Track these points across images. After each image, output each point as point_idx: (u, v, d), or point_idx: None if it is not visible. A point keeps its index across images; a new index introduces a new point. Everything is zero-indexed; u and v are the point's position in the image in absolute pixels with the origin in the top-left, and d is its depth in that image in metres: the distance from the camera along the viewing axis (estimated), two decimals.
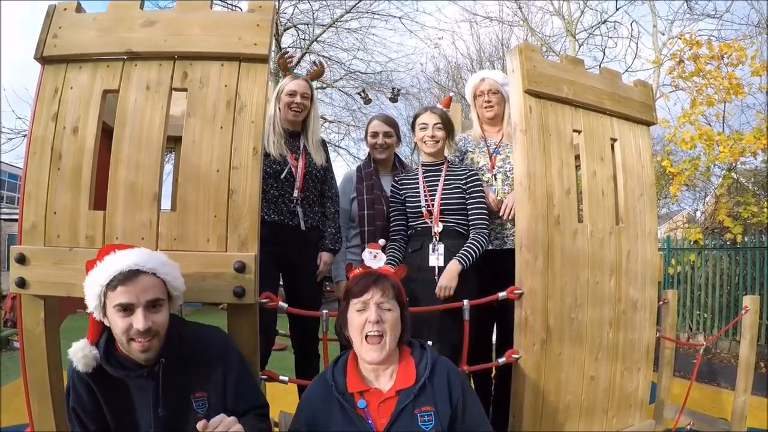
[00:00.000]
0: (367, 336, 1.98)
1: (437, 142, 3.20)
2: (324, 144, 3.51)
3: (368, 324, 1.98)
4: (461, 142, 3.63)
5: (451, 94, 3.65)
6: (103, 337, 1.96)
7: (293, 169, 3.23)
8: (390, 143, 3.72)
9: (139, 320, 1.84)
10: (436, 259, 3.04)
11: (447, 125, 3.23)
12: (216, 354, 2.09)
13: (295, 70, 3.44)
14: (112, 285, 1.86)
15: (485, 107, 3.49)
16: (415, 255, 3.11)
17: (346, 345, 2.15)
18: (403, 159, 4.12)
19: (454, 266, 2.93)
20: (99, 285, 1.87)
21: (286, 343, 3.55)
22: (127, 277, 1.86)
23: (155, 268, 1.94)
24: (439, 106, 3.35)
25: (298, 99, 3.26)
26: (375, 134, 3.70)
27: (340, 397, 1.97)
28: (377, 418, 1.95)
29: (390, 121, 3.79)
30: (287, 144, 3.28)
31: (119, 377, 1.95)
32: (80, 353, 1.89)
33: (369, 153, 3.81)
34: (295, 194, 3.21)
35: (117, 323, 1.86)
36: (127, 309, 1.85)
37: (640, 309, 3.16)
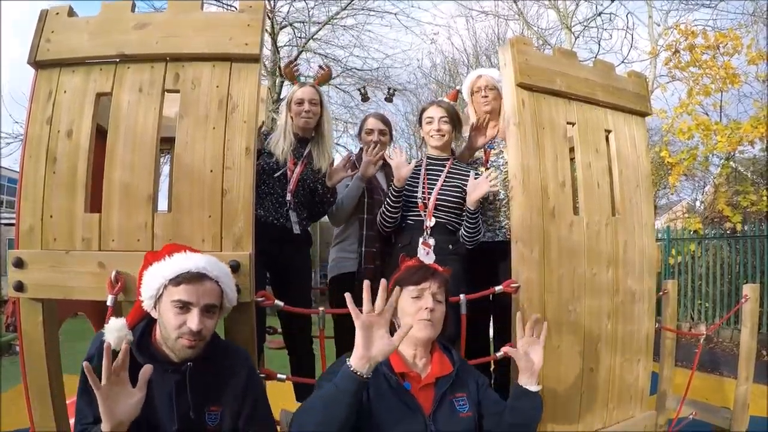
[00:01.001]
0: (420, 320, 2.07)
1: (443, 135, 3.23)
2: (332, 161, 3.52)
3: (423, 311, 2.08)
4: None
5: (458, 87, 3.68)
6: (141, 325, 2.01)
7: (288, 172, 3.23)
8: (384, 141, 3.75)
9: (194, 320, 1.89)
10: (426, 254, 3.04)
11: (453, 118, 3.26)
12: (241, 374, 2.10)
13: (302, 78, 3.45)
14: (176, 281, 1.91)
15: (482, 102, 3.52)
16: (403, 250, 3.08)
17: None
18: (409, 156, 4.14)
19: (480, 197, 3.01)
20: (163, 277, 1.93)
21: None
22: (194, 277, 1.93)
23: (219, 276, 2.01)
24: (445, 99, 3.37)
25: (306, 107, 3.28)
26: (370, 131, 3.73)
27: (390, 375, 2.03)
28: (419, 401, 2.03)
29: (385, 120, 3.84)
30: (294, 150, 3.29)
31: (143, 365, 1.96)
32: (116, 332, 1.91)
33: (361, 148, 3.83)
34: (288, 197, 3.21)
35: (170, 318, 1.90)
36: (184, 307, 1.90)
37: (639, 300, 3.16)
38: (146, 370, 1.80)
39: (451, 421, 2.03)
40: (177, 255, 1.98)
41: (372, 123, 3.77)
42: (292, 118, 3.31)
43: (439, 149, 3.28)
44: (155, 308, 1.97)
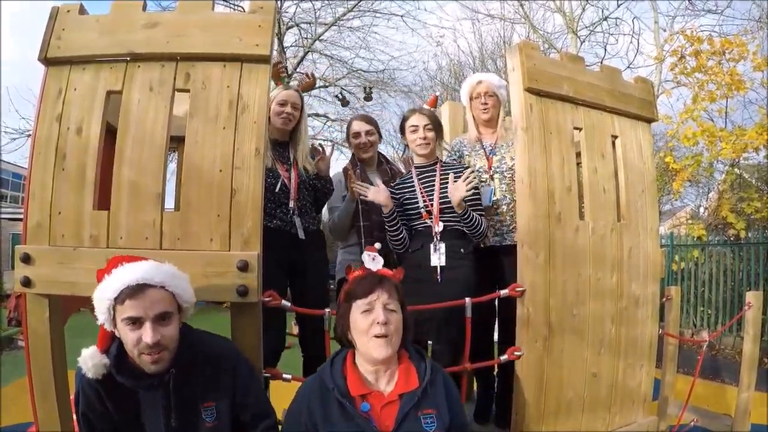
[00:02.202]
0: (375, 336, 1.98)
1: (428, 143, 3.22)
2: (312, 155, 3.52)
3: (376, 325, 1.98)
4: (457, 145, 3.67)
5: (437, 93, 3.69)
6: (114, 346, 1.96)
7: (286, 181, 3.23)
8: (373, 141, 3.76)
9: (147, 334, 1.85)
10: (438, 258, 3.04)
11: (436, 125, 3.26)
12: (225, 364, 2.10)
13: (292, 81, 3.45)
14: (120, 299, 1.86)
15: (482, 109, 3.51)
16: (416, 255, 3.12)
17: (346, 346, 2.15)
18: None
19: (460, 199, 2.99)
20: (107, 299, 1.88)
21: (293, 342, 3.56)
22: (135, 290, 1.87)
23: (164, 281, 1.94)
24: (425, 106, 3.38)
25: (288, 109, 3.27)
26: (357, 134, 3.74)
27: (342, 400, 1.95)
28: (381, 421, 1.95)
29: (369, 120, 3.85)
30: (277, 155, 3.28)
31: (129, 386, 1.96)
32: (90, 361, 1.90)
33: (353, 154, 3.85)
34: (291, 204, 3.22)
35: (127, 336, 1.87)
36: (136, 322, 1.86)
37: (642, 305, 3.17)
38: None
39: None
40: (114, 271, 1.92)
41: (357, 126, 3.78)
42: (269, 119, 3.24)
43: (425, 156, 3.28)
44: (115, 328, 1.92)
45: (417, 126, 3.22)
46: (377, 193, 3.11)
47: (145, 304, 1.86)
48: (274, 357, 3.04)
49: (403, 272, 2.32)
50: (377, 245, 2.48)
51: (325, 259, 3.53)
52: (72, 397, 2.48)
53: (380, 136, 3.87)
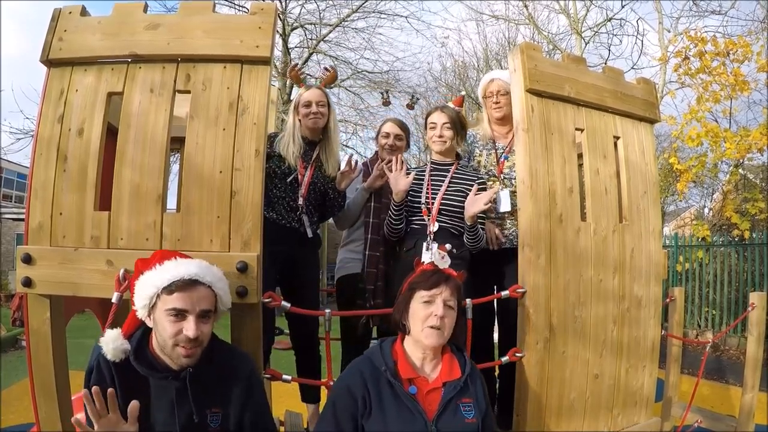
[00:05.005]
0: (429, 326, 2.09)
1: (445, 141, 3.21)
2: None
3: (433, 317, 2.10)
4: (469, 139, 3.64)
5: (463, 93, 3.69)
6: (137, 333, 2.01)
7: (299, 177, 3.23)
8: (399, 146, 3.73)
9: (190, 328, 1.90)
10: (429, 257, 3.03)
11: (456, 125, 3.24)
12: (242, 376, 2.11)
13: (309, 80, 3.45)
14: (169, 289, 1.91)
15: (494, 108, 3.50)
16: (408, 254, 3.10)
17: (394, 331, 2.28)
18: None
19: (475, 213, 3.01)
20: (155, 286, 1.93)
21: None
22: (187, 284, 1.93)
23: (212, 281, 2.01)
24: (450, 105, 3.36)
25: (314, 108, 3.27)
26: (387, 135, 3.72)
27: (393, 381, 2.06)
28: (425, 405, 2.06)
29: (403, 126, 3.83)
30: (303, 154, 3.29)
31: (143, 374, 1.97)
32: (111, 343, 1.92)
33: (377, 151, 3.83)
34: (300, 201, 3.22)
35: (166, 327, 1.91)
36: (179, 315, 1.90)
37: (645, 306, 3.15)
38: (133, 407, 1.83)
39: (456, 425, 2.05)
40: (167, 263, 1.98)
41: (390, 127, 3.75)
42: (299, 120, 3.30)
43: (442, 154, 3.28)
44: (149, 317, 1.97)
45: (436, 123, 3.22)
46: (399, 179, 3.11)
47: (193, 299, 1.92)
48: (264, 357, 3.05)
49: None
50: (448, 246, 2.50)
51: (318, 260, 3.54)
52: (74, 397, 2.50)
53: (408, 145, 3.86)
